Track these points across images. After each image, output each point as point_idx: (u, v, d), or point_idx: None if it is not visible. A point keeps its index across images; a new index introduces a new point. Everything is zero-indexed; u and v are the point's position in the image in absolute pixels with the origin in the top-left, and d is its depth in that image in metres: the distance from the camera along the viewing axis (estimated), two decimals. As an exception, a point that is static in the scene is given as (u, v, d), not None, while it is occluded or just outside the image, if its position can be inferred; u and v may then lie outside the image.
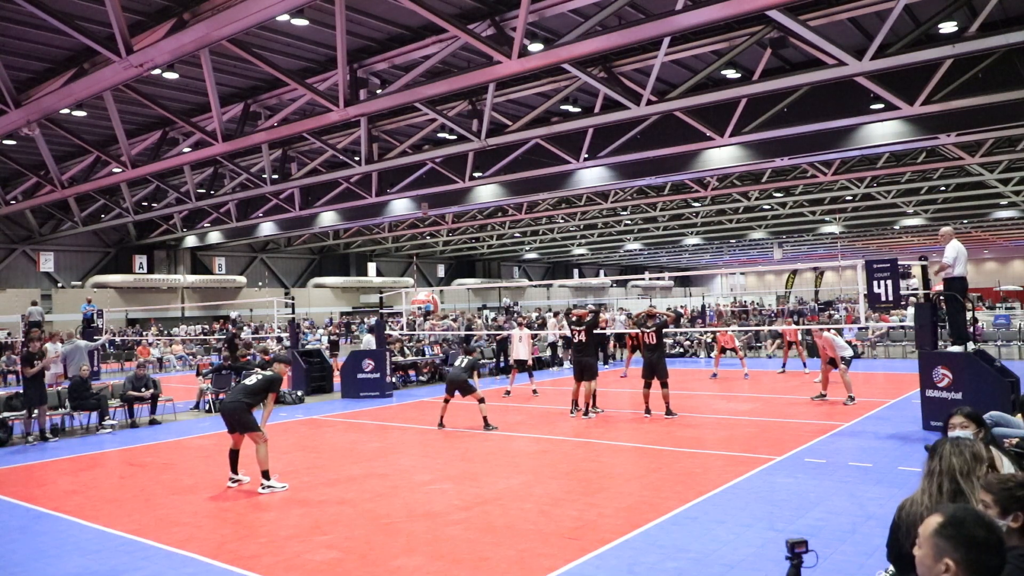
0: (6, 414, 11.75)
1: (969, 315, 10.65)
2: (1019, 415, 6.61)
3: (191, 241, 32.82)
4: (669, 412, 11.68)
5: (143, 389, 13.22)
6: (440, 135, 16.56)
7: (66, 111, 13.14)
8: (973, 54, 9.74)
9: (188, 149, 15.52)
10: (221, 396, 14.36)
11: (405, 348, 19.69)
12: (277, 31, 10.95)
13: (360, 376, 16.09)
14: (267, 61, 10.69)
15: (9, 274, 31.53)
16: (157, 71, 10.91)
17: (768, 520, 6.12)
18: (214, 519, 6.87)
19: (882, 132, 13.90)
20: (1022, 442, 5.85)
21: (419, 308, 21.29)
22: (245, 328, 27.73)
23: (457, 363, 12.06)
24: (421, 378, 19.63)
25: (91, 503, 7.57)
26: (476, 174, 17.69)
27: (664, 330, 12.27)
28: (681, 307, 32.74)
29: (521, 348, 16.24)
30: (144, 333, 32.44)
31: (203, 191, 20.97)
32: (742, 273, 70.14)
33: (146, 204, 23.51)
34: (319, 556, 5.64)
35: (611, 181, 18.75)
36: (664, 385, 11.72)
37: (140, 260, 35.04)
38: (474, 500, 7.10)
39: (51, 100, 11.04)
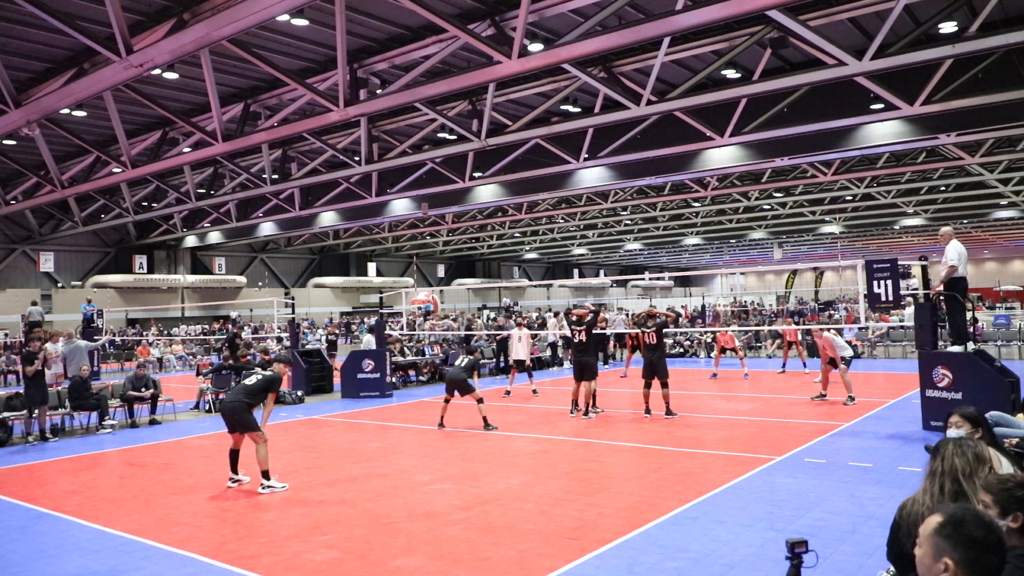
0: (6, 414, 11.75)
1: (969, 315, 10.65)
2: (1020, 415, 6.61)
3: (191, 241, 32.83)
4: (669, 412, 11.68)
5: (143, 389, 13.22)
6: (440, 135, 16.57)
7: (66, 111, 13.13)
8: (973, 54, 9.74)
9: (188, 149, 15.52)
10: (221, 396, 14.37)
11: (405, 348, 19.69)
12: (277, 31, 10.95)
13: (360, 376, 16.09)
14: (267, 61, 10.69)
15: (9, 274, 31.54)
16: (157, 71, 10.91)
17: (768, 520, 6.12)
18: (214, 519, 6.87)
19: (882, 132, 13.91)
20: (1022, 442, 5.85)
21: (419, 308, 21.31)
22: (245, 328, 27.72)
23: (458, 363, 12.06)
24: (421, 378, 19.63)
25: (91, 503, 7.57)
26: (476, 174, 17.69)
27: (664, 330, 12.27)
28: (681, 307, 32.73)
29: (520, 348, 16.24)
30: (144, 333, 32.45)
31: (203, 191, 20.98)
32: (742, 273, 70.14)
33: (146, 204, 23.52)
34: (319, 556, 5.64)
35: (611, 181, 18.76)
36: (664, 385, 11.72)
37: (140, 260, 35.05)
38: (474, 500, 7.10)
39: (51, 100, 11.04)
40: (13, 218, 29.25)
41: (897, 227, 38.71)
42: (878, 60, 9.50)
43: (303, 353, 17.69)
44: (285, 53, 11.85)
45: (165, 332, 34.20)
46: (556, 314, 26.42)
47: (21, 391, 12.04)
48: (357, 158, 15.39)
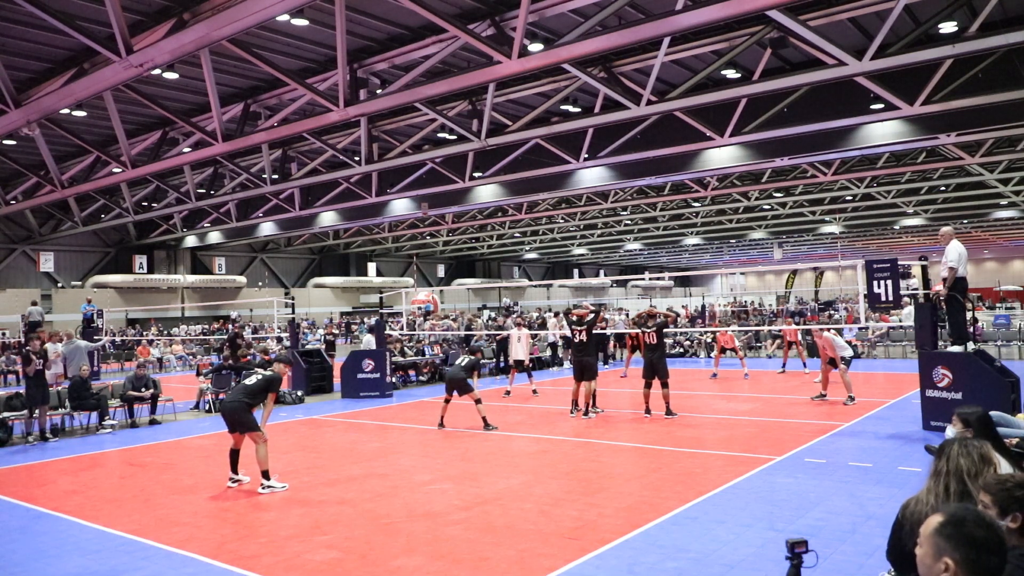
0: (6, 414, 11.75)
1: (969, 315, 10.65)
2: (1020, 415, 6.62)
3: (191, 241, 32.83)
4: (669, 412, 11.68)
5: (143, 389, 13.22)
6: (440, 135, 16.56)
7: (66, 111, 13.13)
8: (973, 54, 9.74)
9: (188, 149, 15.52)
10: (221, 396, 14.37)
11: (405, 348, 19.69)
12: (277, 31, 10.95)
13: (360, 376, 16.09)
14: (267, 61, 10.69)
15: (9, 274, 31.54)
16: (157, 71, 10.91)
17: (768, 520, 6.12)
18: (214, 519, 6.87)
19: (882, 132, 13.91)
20: (1022, 442, 5.85)
21: (419, 308, 21.32)
22: (246, 328, 27.73)
23: (458, 362, 12.06)
24: (421, 378, 19.63)
25: (91, 503, 7.57)
26: (476, 174, 17.69)
27: (664, 330, 12.27)
28: (682, 307, 32.72)
29: (519, 348, 16.24)
30: (144, 333, 32.45)
31: (203, 191, 20.97)
32: (742, 273, 70.15)
33: (146, 204, 23.52)
34: (319, 556, 5.64)
35: (611, 181, 18.76)
36: (664, 385, 11.72)
37: (140, 260, 35.06)
38: (474, 500, 7.10)
39: (51, 100, 11.04)
40: (13, 218, 29.25)
41: (897, 227, 38.72)
42: (878, 60, 9.50)
43: (303, 353, 17.69)
44: (285, 53, 11.85)
45: (165, 332, 34.20)
46: (556, 314, 26.43)
47: (21, 391, 12.04)
48: (357, 158, 15.39)
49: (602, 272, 66.00)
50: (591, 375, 12.10)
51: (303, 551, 5.77)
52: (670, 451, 9.20)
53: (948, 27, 10.02)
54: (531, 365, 16.84)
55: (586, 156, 15.55)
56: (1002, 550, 1.94)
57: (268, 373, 8.21)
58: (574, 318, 12.63)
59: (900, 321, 20.47)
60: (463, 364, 11.62)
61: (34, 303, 26.62)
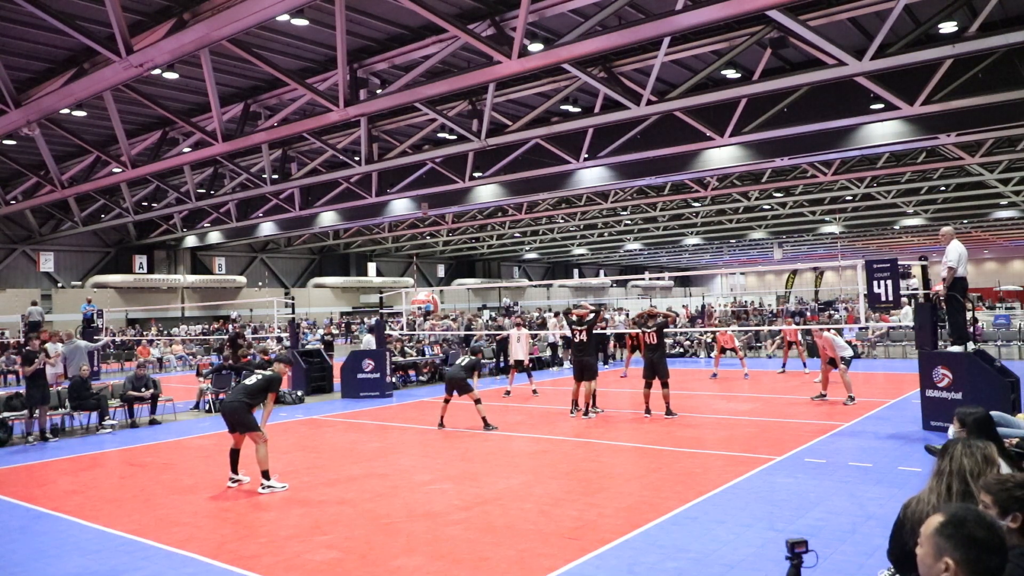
0: (6, 414, 11.75)
1: (969, 315, 10.65)
2: (1019, 415, 6.62)
3: (191, 241, 32.83)
4: (669, 412, 11.68)
5: (143, 389, 13.22)
6: (440, 135, 16.57)
7: (66, 111, 13.14)
8: (973, 54, 9.75)
9: (188, 149, 15.52)
10: (221, 396, 14.37)
11: (405, 348, 19.69)
12: (277, 31, 10.95)
13: (360, 376, 16.09)
14: (267, 61, 10.69)
15: (9, 274, 31.54)
16: (157, 71, 10.91)
17: (768, 520, 6.12)
18: (214, 519, 6.87)
19: (882, 132, 13.91)
20: (1022, 442, 5.85)
21: (419, 308, 21.31)
22: (246, 328, 27.74)
23: (458, 362, 12.06)
24: (421, 378, 19.62)
25: (91, 503, 7.57)
26: (476, 174, 17.69)
27: (664, 330, 12.28)
28: (683, 307, 32.71)
29: (518, 348, 16.24)
30: (144, 333, 32.44)
31: (203, 191, 20.98)
32: (742, 273, 70.15)
33: (146, 204, 23.52)
34: (319, 556, 5.64)
35: (611, 181, 18.76)
36: (665, 385, 11.72)
37: (140, 260, 35.06)
38: (474, 500, 7.10)
39: (51, 100, 11.04)
40: (13, 218, 29.26)
41: (897, 227, 38.72)
42: (878, 60, 9.50)
43: (303, 353, 17.69)
44: (285, 53, 11.85)
45: (165, 332, 34.20)
46: (556, 314, 26.42)
47: (21, 391, 12.04)
48: (357, 158, 15.39)
49: (602, 272, 66.00)
50: (591, 375, 12.09)
51: (303, 551, 5.77)
52: (670, 451, 9.20)
53: (948, 27, 10.02)
54: (531, 365, 16.84)
55: (586, 156, 15.55)
56: (1003, 550, 1.94)
57: (268, 373, 8.20)
58: (574, 318, 12.62)
59: (899, 321, 20.47)
60: (463, 364, 11.61)
61: (34, 303, 26.62)
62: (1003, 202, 30.00)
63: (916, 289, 19.37)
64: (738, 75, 12.71)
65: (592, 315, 12.82)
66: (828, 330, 13.23)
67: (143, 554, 5.87)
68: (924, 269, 16.57)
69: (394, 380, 17.16)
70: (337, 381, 17.03)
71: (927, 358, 10.05)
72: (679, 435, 10.26)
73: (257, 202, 23.62)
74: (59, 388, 13.24)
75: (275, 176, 17.81)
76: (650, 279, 58.52)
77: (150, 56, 9.08)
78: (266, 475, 7.81)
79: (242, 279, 39.20)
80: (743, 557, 5.28)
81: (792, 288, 48.55)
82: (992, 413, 6.05)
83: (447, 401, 11.57)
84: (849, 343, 14.11)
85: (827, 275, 51.78)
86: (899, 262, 12.03)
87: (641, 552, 5.48)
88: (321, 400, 16.03)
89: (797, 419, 11.28)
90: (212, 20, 8.51)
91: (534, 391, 15.68)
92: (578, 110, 14.24)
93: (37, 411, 11.63)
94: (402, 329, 21.85)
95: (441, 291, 39.63)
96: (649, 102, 11.45)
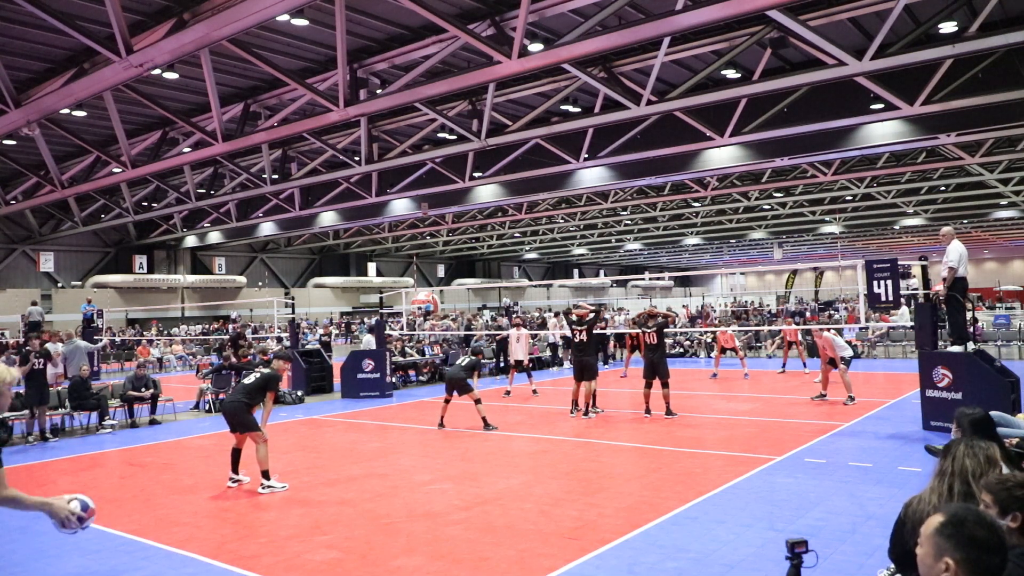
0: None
1: (969, 315, 10.65)
2: (1019, 415, 6.62)
3: (191, 241, 32.84)
4: (669, 412, 11.68)
5: (143, 389, 13.22)
6: (440, 135, 16.56)
7: (66, 111, 13.14)
8: (973, 54, 9.75)
9: (188, 149, 15.52)
10: (221, 396, 14.38)
11: (405, 348, 19.69)
12: (277, 31, 10.95)
13: (360, 376, 16.09)
14: (267, 61, 10.69)
15: (9, 274, 31.54)
16: (157, 71, 10.91)
17: (768, 520, 6.12)
18: (214, 519, 6.87)
19: (882, 132, 13.91)
20: (1022, 442, 5.85)
21: (419, 308, 21.29)
22: (247, 328, 27.74)
23: (458, 362, 12.06)
24: (421, 378, 19.62)
25: (91, 503, 7.56)
26: (476, 174, 17.69)
27: (664, 330, 12.28)
28: (683, 307, 32.69)
29: (518, 349, 16.25)
30: (144, 333, 32.44)
31: (203, 191, 20.98)
32: (742, 273, 70.15)
33: (146, 204, 23.52)
34: (319, 556, 5.64)
35: (611, 181, 18.76)
36: (665, 385, 11.72)
37: (140, 260, 35.05)
38: (474, 500, 7.10)
39: (51, 100, 11.04)
40: (13, 218, 29.25)
41: (897, 227, 38.72)
42: (878, 60, 9.50)
43: (303, 353, 17.69)
44: (285, 53, 11.85)
45: (165, 332, 34.19)
46: (556, 314, 26.42)
47: (21, 391, 12.04)
48: (357, 158, 15.39)
49: (602, 272, 66.00)
50: (591, 375, 12.09)
51: (303, 551, 5.77)
52: (670, 451, 9.20)
53: (948, 27, 10.02)
54: (531, 365, 16.83)
55: (586, 156, 15.55)
56: (1003, 550, 1.94)
57: (266, 371, 8.20)
58: (574, 318, 12.62)
59: (897, 321, 20.47)
60: (463, 364, 11.61)
61: (34, 303, 26.63)
62: (1003, 202, 30.00)
63: (916, 289, 19.39)
64: (738, 75, 12.70)
65: (592, 315, 12.82)
66: (828, 330, 13.23)
67: (143, 554, 5.87)
68: (924, 269, 16.60)
69: (394, 380, 17.16)
70: (337, 381, 17.04)
71: (927, 358, 10.05)
72: (679, 435, 10.26)
73: (257, 202, 23.62)
74: (59, 388, 13.25)
75: (275, 176, 17.81)
76: (650, 279, 58.51)
77: (150, 56, 9.08)
78: (266, 475, 7.81)
79: (242, 279, 39.20)
80: (743, 557, 5.28)
81: (792, 288, 48.55)
82: (992, 413, 6.06)
83: (447, 401, 11.57)
84: (849, 343, 14.11)
85: (827, 275, 51.76)
86: (899, 262, 12.03)
87: (641, 552, 5.48)
88: (321, 400, 16.03)
89: (797, 419, 11.28)
90: (212, 20, 8.51)
91: (534, 391, 15.68)
92: (578, 110, 14.24)
93: (36, 411, 11.63)
94: (402, 329, 21.85)
95: (441, 291, 39.63)
96: (649, 102, 11.45)
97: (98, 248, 34.43)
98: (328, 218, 25.29)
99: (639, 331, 12.64)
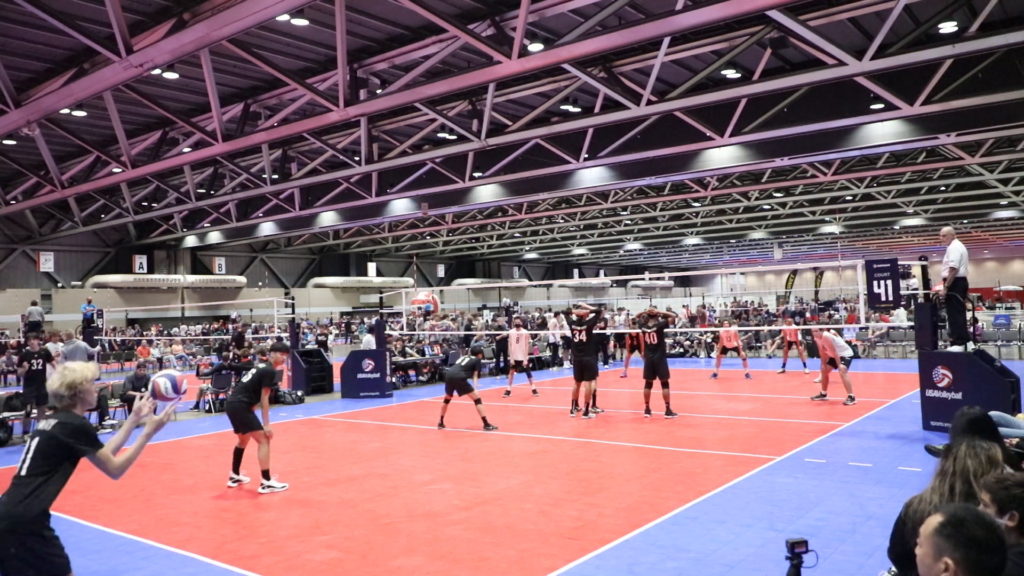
0: (6, 414, 11.74)
1: (969, 315, 10.64)
2: (1019, 415, 6.61)
3: (191, 241, 32.83)
4: (669, 412, 11.68)
5: (143, 389, 13.19)
6: (440, 135, 16.56)
7: (66, 111, 13.14)
8: (973, 54, 9.75)
9: (188, 149, 15.52)
10: (221, 396, 14.39)
11: (405, 348, 19.69)
12: (277, 31, 10.95)
13: (360, 376, 16.09)
14: (267, 61, 10.69)
15: (9, 274, 31.54)
16: (157, 71, 10.91)
17: (768, 520, 6.12)
18: (214, 519, 6.87)
19: (882, 132, 13.91)
20: (1022, 442, 5.85)
21: (419, 308, 21.28)
22: (248, 328, 27.74)
23: (458, 362, 12.06)
24: (421, 378, 19.63)
25: (91, 503, 7.57)
26: (476, 174, 17.69)
27: (664, 330, 12.28)
28: (683, 307, 32.67)
29: (517, 349, 16.25)
30: (144, 333, 32.44)
31: (203, 191, 20.97)
32: (742, 273, 70.14)
33: (146, 204, 23.52)
34: (319, 556, 5.64)
35: (611, 181, 18.76)
36: (665, 385, 11.72)
37: (140, 260, 35.05)
38: (474, 500, 7.10)
39: (51, 100, 11.04)
40: (13, 218, 29.25)
41: (897, 227, 38.71)
42: (878, 60, 9.50)
43: (303, 353, 17.70)
44: (285, 53, 11.84)
45: (165, 332, 34.19)
46: (556, 314, 26.41)
47: (20, 391, 12.04)
48: (357, 158, 15.39)
49: (602, 272, 66.00)
50: (591, 375, 12.09)
51: (303, 551, 5.77)
52: (670, 451, 9.20)
53: (948, 27, 10.02)
54: (531, 365, 16.83)
55: (586, 156, 15.55)
56: (1002, 550, 1.94)
57: (260, 366, 8.18)
58: (574, 318, 12.62)
59: (893, 321, 20.49)
60: (463, 364, 11.61)
61: (34, 303, 26.63)
62: (1003, 202, 30.00)
63: (916, 289, 19.39)
64: (738, 75, 12.70)
65: (592, 315, 12.82)
66: (828, 330, 13.24)
67: (143, 554, 5.87)
68: (924, 269, 16.59)
69: (394, 380, 17.16)
70: (337, 381, 17.04)
71: (927, 358, 10.05)
72: (679, 435, 10.26)
73: (257, 202, 23.61)
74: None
75: (275, 176, 17.81)
76: (650, 279, 58.50)
77: (150, 56, 9.08)
78: (266, 475, 7.81)
79: (242, 279, 39.20)
80: (743, 557, 5.28)
81: (792, 288, 48.54)
82: (992, 413, 6.05)
83: (447, 401, 11.57)
84: (849, 343, 14.12)
85: (827, 275, 51.76)
86: (899, 262, 12.04)
87: (641, 552, 5.48)
88: (321, 400, 16.03)
89: (797, 419, 11.28)
90: (212, 20, 8.51)
91: (534, 391, 15.68)
92: (578, 110, 14.24)
93: (35, 411, 11.62)
94: (402, 329, 21.85)
95: (441, 291, 39.63)
96: (649, 102, 11.44)
97: (98, 248, 34.43)
98: (328, 218, 25.29)
99: (639, 331, 12.64)
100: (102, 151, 15.58)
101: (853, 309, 26.25)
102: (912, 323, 12.72)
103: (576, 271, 62.74)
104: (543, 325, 25.31)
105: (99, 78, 9.99)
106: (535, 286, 57.87)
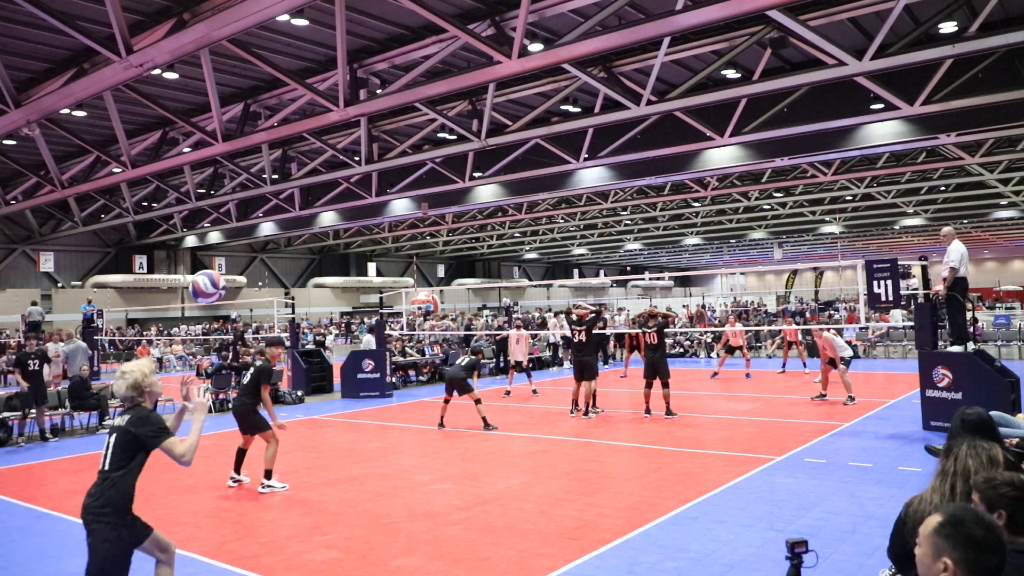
0: (6, 414, 11.74)
1: (969, 315, 10.64)
2: (1020, 415, 6.61)
3: (191, 241, 32.83)
4: (669, 412, 11.68)
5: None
6: (440, 135, 16.56)
7: (66, 111, 13.13)
8: (973, 54, 9.74)
9: (188, 149, 15.52)
10: (221, 396, 14.41)
11: (405, 348, 19.69)
12: (277, 31, 10.94)
13: (360, 376, 16.09)
14: (267, 61, 10.69)
15: (9, 274, 31.53)
16: (157, 71, 10.91)
17: (768, 520, 6.12)
18: (214, 519, 6.87)
19: (882, 132, 13.90)
20: (1022, 442, 5.85)
21: (419, 308, 21.31)
22: (248, 328, 27.74)
23: (458, 362, 12.06)
24: (421, 378, 19.63)
25: (91, 503, 7.56)
26: (476, 174, 17.69)
27: (664, 330, 12.29)
28: (683, 307, 32.64)
29: (517, 350, 16.26)
30: (144, 333, 32.44)
31: (203, 191, 20.97)
32: (742, 273, 70.13)
33: (146, 204, 23.52)
34: (319, 556, 5.64)
35: (611, 181, 18.75)
36: (665, 385, 11.73)
37: (140, 260, 35.04)
38: (474, 500, 7.10)
39: (51, 100, 11.04)
40: (13, 218, 29.25)
41: (897, 227, 38.70)
42: (878, 60, 9.49)
43: (303, 353, 17.70)
44: (285, 53, 11.84)
45: (165, 332, 34.19)
46: (556, 314, 26.41)
47: (18, 391, 12.03)
48: (357, 158, 15.38)
49: (602, 272, 65.99)
50: (591, 375, 12.10)
51: (303, 551, 5.77)
52: (670, 451, 9.20)
53: (948, 27, 10.02)
54: (531, 365, 16.83)
55: (586, 156, 15.55)
56: (1001, 550, 1.94)
57: (258, 364, 8.18)
58: (574, 318, 12.62)
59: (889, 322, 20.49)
60: (463, 364, 11.62)
61: (34, 303, 26.63)
62: (1003, 202, 29.98)
63: (916, 289, 19.39)
64: (738, 75, 12.70)
65: (592, 315, 12.83)
66: (828, 330, 13.24)
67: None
68: (924, 269, 16.58)
69: (394, 380, 17.17)
70: (337, 381, 17.04)
71: (927, 358, 10.05)
72: (679, 435, 10.26)
73: (257, 202, 23.61)
74: (59, 388, 13.25)
75: (275, 176, 17.81)
76: (650, 279, 58.49)
77: (150, 56, 9.08)
78: (268, 475, 7.81)
79: (242, 279, 39.19)
80: (743, 557, 5.28)
81: (792, 288, 48.53)
82: (992, 413, 6.05)
83: (447, 401, 11.57)
84: (849, 343, 14.12)
85: (827, 275, 51.75)
86: (899, 262, 12.04)
87: (641, 552, 5.48)
88: (321, 400, 16.04)
89: (797, 419, 11.28)
90: (212, 20, 8.51)
91: (534, 391, 15.69)
92: (578, 110, 14.24)
93: (34, 411, 11.62)
94: (402, 329, 21.85)
95: (441, 291, 39.62)
96: (649, 102, 11.44)
97: (98, 248, 34.43)
98: (328, 218, 25.28)
99: (639, 331, 12.64)
100: (102, 151, 15.58)
101: (853, 309, 26.25)
102: (908, 323, 12.74)
103: (576, 271, 62.74)
104: (543, 325, 25.30)
105: (99, 78, 9.99)
106: (535, 286, 57.86)
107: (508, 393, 15.46)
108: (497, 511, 6.69)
